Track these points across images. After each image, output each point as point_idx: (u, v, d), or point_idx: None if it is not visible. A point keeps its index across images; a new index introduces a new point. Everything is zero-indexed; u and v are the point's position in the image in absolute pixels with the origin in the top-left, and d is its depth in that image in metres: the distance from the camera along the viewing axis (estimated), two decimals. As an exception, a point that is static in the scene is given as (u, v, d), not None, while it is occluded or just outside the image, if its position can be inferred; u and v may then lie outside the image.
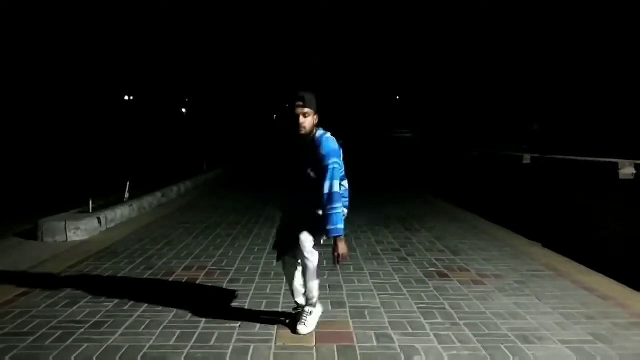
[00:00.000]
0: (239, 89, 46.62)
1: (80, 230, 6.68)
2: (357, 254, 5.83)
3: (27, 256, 5.72)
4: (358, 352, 3.26)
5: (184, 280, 4.82)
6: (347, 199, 3.62)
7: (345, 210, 3.52)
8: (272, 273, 5.02)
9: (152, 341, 3.41)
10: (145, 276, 4.96)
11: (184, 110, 49.46)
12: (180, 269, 5.24)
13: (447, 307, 4.09)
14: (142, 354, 3.23)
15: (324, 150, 3.40)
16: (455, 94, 34.36)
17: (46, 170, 16.52)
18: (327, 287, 4.59)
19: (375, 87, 53.24)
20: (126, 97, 40.88)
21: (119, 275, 5.00)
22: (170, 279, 4.86)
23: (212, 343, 3.39)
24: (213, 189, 12.62)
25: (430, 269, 5.22)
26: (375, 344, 3.40)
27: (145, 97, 40.45)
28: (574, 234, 6.44)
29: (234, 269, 5.22)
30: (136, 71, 37.14)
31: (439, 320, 3.81)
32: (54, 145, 24.93)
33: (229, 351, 3.27)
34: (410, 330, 3.61)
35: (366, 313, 3.96)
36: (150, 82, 38.58)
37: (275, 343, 3.39)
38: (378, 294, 4.42)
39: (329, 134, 3.52)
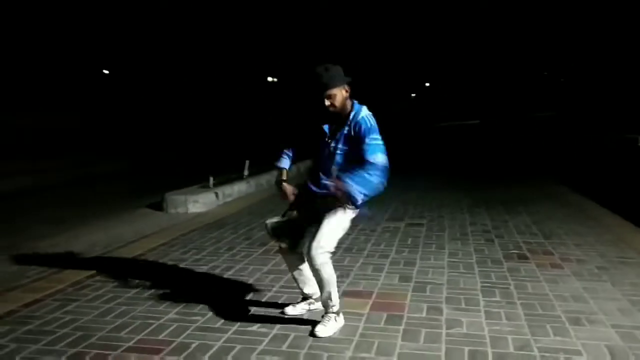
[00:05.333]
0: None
1: (199, 203, 7.54)
2: (444, 234, 5.95)
3: (149, 224, 6.66)
4: (404, 321, 3.50)
5: (273, 251, 5.21)
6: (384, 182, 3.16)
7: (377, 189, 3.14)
8: (355, 249, 5.37)
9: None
10: (242, 245, 5.55)
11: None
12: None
13: (512, 287, 4.13)
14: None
15: (362, 127, 3.18)
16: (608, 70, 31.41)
17: (196, 148, 18.21)
18: (402, 262, 4.85)
19: (520, 62, 49.89)
20: (269, 79, 42.73)
21: (220, 242, 5.65)
22: (262, 250, 5.37)
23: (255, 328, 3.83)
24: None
25: (513, 251, 5.21)
26: (423, 315, 3.60)
27: (288, 79, 41.86)
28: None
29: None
30: (280, 53, 38.57)
31: (497, 298, 3.89)
32: (203, 127, 27.29)
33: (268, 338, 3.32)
34: (462, 306, 3.75)
35: (427, 288, 4.14)
36: (294, 64, 39.66)
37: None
38: (448, 272, 4.56)
39: (365, 109, 3.28)
